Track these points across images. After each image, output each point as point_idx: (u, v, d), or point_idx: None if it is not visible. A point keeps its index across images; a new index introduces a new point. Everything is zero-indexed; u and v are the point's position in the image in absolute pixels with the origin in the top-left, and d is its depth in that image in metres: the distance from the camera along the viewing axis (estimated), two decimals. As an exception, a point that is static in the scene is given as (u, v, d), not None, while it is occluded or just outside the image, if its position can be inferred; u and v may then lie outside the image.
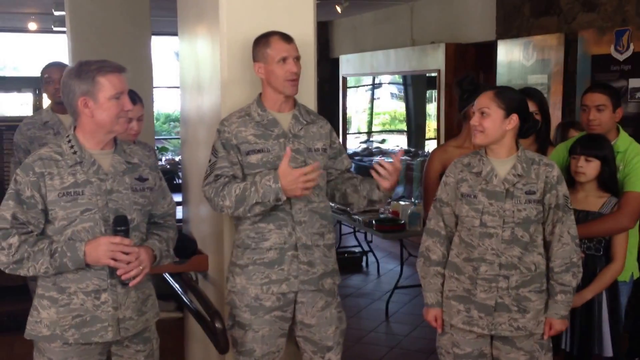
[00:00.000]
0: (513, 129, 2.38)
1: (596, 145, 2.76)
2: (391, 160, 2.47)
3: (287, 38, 2.43)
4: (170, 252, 2.29)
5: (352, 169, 2.69)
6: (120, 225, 2.08)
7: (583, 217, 2.72)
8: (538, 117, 2.98)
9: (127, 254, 2.06)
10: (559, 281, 2.38)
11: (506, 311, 2.36)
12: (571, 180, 2.76)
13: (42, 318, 2.10)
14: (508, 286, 2.35)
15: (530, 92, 3.06)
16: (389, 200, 5.98)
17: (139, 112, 2.75)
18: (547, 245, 2.41)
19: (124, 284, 2.11)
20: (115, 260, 2.05)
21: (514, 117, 2.36)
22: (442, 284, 2.48)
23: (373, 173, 2.44)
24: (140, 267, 2.11)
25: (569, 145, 2.89)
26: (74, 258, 2.04)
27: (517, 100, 2.40)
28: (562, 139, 3.60)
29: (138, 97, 2.71)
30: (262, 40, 2.45)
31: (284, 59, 2.41)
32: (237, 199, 2.36)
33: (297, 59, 2.44)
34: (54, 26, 8.08)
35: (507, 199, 2.35)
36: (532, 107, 3.01)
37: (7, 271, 2.07)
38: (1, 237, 2.04)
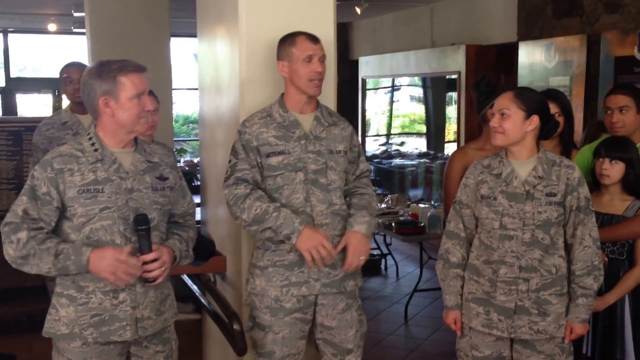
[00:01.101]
0: (534, 130, 2.35)
1: (621, 147, 2.72)
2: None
3: (313, 38, 2.42)
4: (190, 252, 2.28)
5: (370, 174, 2.64)
6: (141, 225, 2.07)
7: (607, 220, 2.68)
8: (560, 119, 2.94)
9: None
10: (579, 284, 2.35)
11: (526, 314, 2.33)
12: (595, 183, 2.72)
13: (61, 316, 2.10)
14: (528, 289, 2.32)
15: (552, 94, 3.02)
16: (408, 202, 5.95)
17: (152, 106, 2.76)
18: (568, 248, 2.38)
19: (148, 281, 2.10)
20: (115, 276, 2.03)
21: (535, 119, 2.33)
22: (462, 287, 2.45)
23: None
24: (163, 268, 2.10)
25: (593, 147, 2.84)
26: (77, 262, 2.03)
27: (537, 101, 2.37)
28: (592, 138, 3.53)
29: (151, 90, 2.71)
30: (288, 40, 2.44)
31: (310, 58, 2.40)
32: (254, 218, 2.35)
33: (323, 59, 2.43)
34: (74, 27, 8.18)
35: (527, 200, 2.32)
36: (554, 109, 2.97)
37: (13, 266, 2.07)
38: (11, 230, 2.04)
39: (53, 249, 2.03)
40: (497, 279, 2.34)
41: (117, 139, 2.12)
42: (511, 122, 2.32)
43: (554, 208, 2.33)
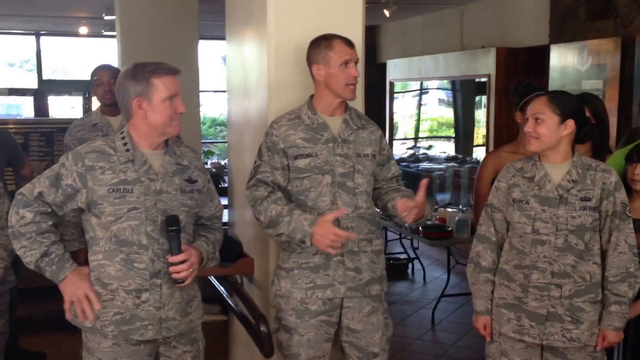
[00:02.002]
0: (569, 135, 2.31)
1: (654, 152, 2.65)
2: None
3: (349, 42, 2.41)
4: (216, 254, 2.29)
5: (399, 177, 2.63)
6: (171, 226, 2.08)
7: (638, 227, 2.61)
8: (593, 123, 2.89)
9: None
10: (613, 291, 2.29)
11: (559, 321, 2.29)
12: (627, 188, 2.65)
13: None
14: (561, 295, 2.28)
15: (585, 98, 2.98)
16: (436, 207, 5.89)
17: None
18: (604, 255, 2.32)
19: (177, 282, 2.11)
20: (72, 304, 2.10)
21: (570, 123, 2.29)
22: (492, 292, 2.42)
23: (397, 207, 2.36)
24: (191, 270, 2.11)
25: (625, 152, 2.79)
26: (53, 275, 2.09)
27: (573, 104, 2.33)
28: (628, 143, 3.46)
29: None
30: (323, 43, 2.41)
31: (346, 63, 2.39)
32: (270, 220, 2.36)
33: (357, 63, 2.42)
34: (104, 30, 8.28)
35: (560, 205, 2.28)
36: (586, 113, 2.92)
37: (9, 232, 2.12)
38: (21, 203, 2.09)
39: (45, 247, 2.08)
40: (529, 284, 2.30)
41: (148, 140, 2.14)
42: (546, 127, 2.28)
43: (588, 213, 2.28)
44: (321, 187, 2.41)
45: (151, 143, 2.14)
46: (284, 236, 2.36)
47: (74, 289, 2.08)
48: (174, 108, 2.10)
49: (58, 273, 2.08)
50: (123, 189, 2.08)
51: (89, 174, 2.07)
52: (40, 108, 9.44)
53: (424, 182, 2.35)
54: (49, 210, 2.10)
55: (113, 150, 2.11)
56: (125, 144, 2.12)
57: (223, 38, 3.39)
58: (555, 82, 5.26)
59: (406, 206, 2.34)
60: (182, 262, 2.09)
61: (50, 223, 2.11)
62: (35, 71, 9.96)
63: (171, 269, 2.09)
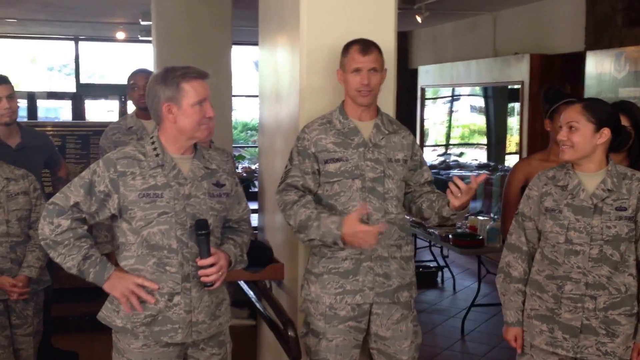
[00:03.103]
0: (604, 143, 2.26)
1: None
2: (469, 181, 2.38)
3: (365, 49, 2.40)
4: (244, 257, 2.30)
5: (432, 182, 2.61)
6: (201, 229, 2.09)
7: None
8: (630, 132, 2.83)
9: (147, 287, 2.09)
10: (649, 304, 2.23)
11: (593, 334, 2.24)
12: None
13: (119, 309, 2.15)
14: (595, 307, 2.23)
15: (623, 106, 2.92)
16: (466, 215, 5.83)
17: None
18: (639, 266, 2.27)
19: (206, 286, 2.12)
20: (126, 299, 2.10)
21: (606, 131, 2.24)
22: (523, 302, 2.38)
23: (448, 190, 2.37)
24: (220, 273, 2.12)
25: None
26: (98, 275, 2.10)
27: (608, 112, 2.28)
28: None
29: None
30: (345, 48, 2.46)
31: (357, 70, 2.40)
32: (300, 225, 2.37)
33: (375, 70, 2.40)
34: (141, 35, 8.43)
35: (595, 215, 2.23)
36: (624, 121, 2.86)
37: (42, 244, 2.13)
38: (55, 212, 2.10)
39: (85, 250, 2.09)
40: (562, 296, 2.26)
41: (177, 145, 2.15)
42: (580, 135, 2.24)
43: (624, 223, 2.23)
44: (351, 191, 2.41)
45: (180, 147, 2.15)
46: (317, 241, 2.36)
47: (123, 283, 2.09)
48: (203, 112, 2.11)
49: (103, 273, 2.10)
50: (153, 194, 2.09)
51: (120, 180, 2.09)
52: (78, 111, 9.63)
53: (482, 176, 2.41)
54: (83, 216, 2.13)
55: (143, 156, 2.13)
56: (155, 149, 2.14)
57: (256, 43, 3.42)
58: (591, 89, 5.17)
59: (458, 189, 2.34)
60: (211, 266, 2.10)
61: (85, 228, 2.14)
62: (74, 75, 10.18)
63: (200, 272, 2.10)
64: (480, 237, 4.85)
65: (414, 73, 8.39)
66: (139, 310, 2.11)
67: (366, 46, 2.41)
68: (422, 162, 2.58)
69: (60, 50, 11.62)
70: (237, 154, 9.82)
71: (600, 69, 5.10)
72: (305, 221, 2.35)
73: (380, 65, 2.43)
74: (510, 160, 6.56)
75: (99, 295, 2.15)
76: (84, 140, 5.14)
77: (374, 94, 2.43)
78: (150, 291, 2.11)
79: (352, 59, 2.41)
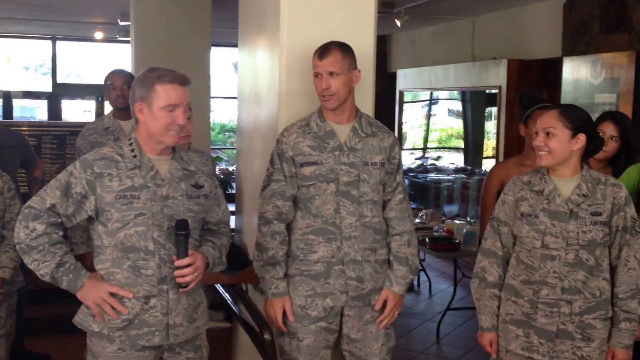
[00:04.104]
0: (580, 149, 2.28)
1: (670, 168, 2.62)
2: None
3: (322, 53, 2.39)
4: (223, 259, 2.28)
5: (407, 191, 2.59)
6: (180, 230, 2.08)
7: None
8: (617, 143, 2.89)
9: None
10: (623, 308, 2.27)
11: (569, 339, 2.26)
12: (640, 204, 2.63)
13: (94, 314, 2.12)
14: (571, 312, 2.25)
15: (615, 117, 2.98)
16: (443, 218, 5.87)
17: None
18: (613, 270, 2.30)
19: (180, 286, 2.10)
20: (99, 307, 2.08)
21: (581, 137, 2.27)
22: (498, 307, 2.39)
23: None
24: (196, 274, 2.11)
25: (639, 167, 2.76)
26: (71, 283, 2.07)
27: (583, 118, 2.30)
28: None
29: None
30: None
31: (317, 75, 2.40)
32: (262, 251, 2.43)
33: (334, 74, 2.37)
34: (119, 36, 8.36)
35: (571, 219, 2.25)
36: (612, 131, 2.92)
37: (17, 248, 2.10)
38: (31, 216, 2.07)
39: (59, 257, 2.06)
40: (538, 300, 2.27)
41: (151, 146, 2.13)
42: (557, 141, 2.25)
43: (599, 228, 2.25)
44: (325, 195, 2.41)
45: (154, 148, 2.13)
46: (257, 270, 2.47)
47: (95, 292, 2.07)
48: (172, 118, 2.07)
49: (76, 281, 2.07)
50: (130, 195, 2.07)
51: (97, 181, 2.07)
52: (54, 111, 9.52)
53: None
54: (59, 221, 2.10)
55: (120, 157, 2.11)
56: (132, 150, 2.12)
57: (235, 45, 3.41)
58: (567, 95, 5.23)
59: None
60: (188, 266, 2.09)
61: (61, 234, 2.10)
62: (50, 75, 10.05)
63: (176, 272, 2.09)
64: (457, 241, 4.88)
65: (393, 76, 8.42)
66: (114, 318, 2.08)
67: (324, 50, 2.39)
68: (399, 166, 2.56)
69: (36, 50, 11.47)
70: (214, 155, 9.78)
71: (577, 75, 5.18)
72: (266, 253, 2.41)
73: (342, 68, 2.37)
74: (487, 164, 6.61)
75: (73, 297, 2.12)
76: (60, 141, 5.08)
77: (338, 97, 2.39)
78: (121, 298, 2.08)
79: (313, 63, 2.41)
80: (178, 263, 2.08)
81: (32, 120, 10.21)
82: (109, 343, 2.11)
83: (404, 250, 2.49)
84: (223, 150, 11.42)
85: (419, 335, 4.82)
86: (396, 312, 2.50)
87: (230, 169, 8.20)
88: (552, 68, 5.68)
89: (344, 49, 2.40)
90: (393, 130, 8.20)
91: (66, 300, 2.15)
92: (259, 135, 2.98)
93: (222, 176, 7.60)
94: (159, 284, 2.10)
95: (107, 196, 2.07)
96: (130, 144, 2.13)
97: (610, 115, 3.03)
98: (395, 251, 2.49)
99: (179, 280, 2.09)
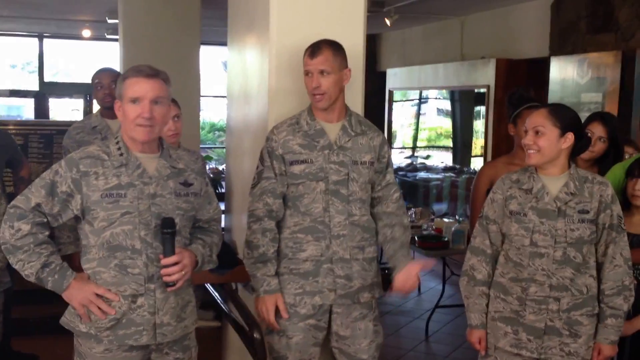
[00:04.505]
0: (568, 148, 2.30)
1: (655, 167, 2.65)
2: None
3: (313, 52, 2.39)
4: (213, 257, 2.27)
5: (395, 185, 2.59)
6: (166, 228, 2.06)
7: (637, 242, 2.62)
8: (604, 144, 2.91)
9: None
10: (609, 304, 2.29)
11: (557, 335, 2.28)
12: (626, 203, 2.65)
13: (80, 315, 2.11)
14: (559, 308, 2.27)
15: (605, 118, 3.01)
16: (432, 217, 5.89)
17: (173, 112, 2.77)
18: (599, 267, 2.32)
19: (167, 285, 2.09)
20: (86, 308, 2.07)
21: (570, 136, 2.28)
22: (487, 305, 2.40)
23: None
24: (183, 272, 2.09)
25: (625, 165, 2.78)
26: (56, 284, 2.05)
27: (572, 117, 2.33)
28: None
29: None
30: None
31: (307, 73, 2.40)
32: (252, 248, 2.42)
33: (325, 72, 2.37)
34: (107, 34, 8.31)
35: (559, 217, 2.27)
36: (600, 132, 2.94)
37: (2, 248, 2.08)
38: (16, 216, 2.05)
39: (44, 257, 2.04)
40: (527, 298, 2.29)
41: (135, 144, 2.11)
42: (546, 139, 2.27)
43: (586, 226, 2.27)
44: (315, 193, 2.41)
45: (137, 146, 2.11)
46: (248, 267, 2.45)
47: (81, 293, 2.05)
48: (137, 112, 2.05)
49: (61, 282, 2.05)
50: (116, 193, 2.05)
51: (83, 180, 2.05)
52: (41, 110, 9.45)
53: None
54: (45, 220, 2.07)
55: (107, 155, 2.09)
56: (119, 148, 2.10)
57: (224, 44, 3.40)
58: (554, 94, 5.27)
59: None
60: (174, 265, 2.08)
61: (46, 234, 2.08)
62: (37, 73, 9.98)
63: (162, 271, 2.07)
64: (446, 239, 4.90)
65: (383, 75, 8.44)
66: (101, 318, 2.07)
67: (315, 49, 2.39)
68: (389, 165, 2.57)
69: (23, 48, 11.38)
70: (204, 154, 9.76)
71: (564, 74, 5.21)
72: (257, 251, 2.41)
73: (333, 67, 2.37)
74: (476, 163, 6.64)
75: (61, 298, 2.11)
76: (47, 140, 5.05)
77: (328, 96, 2.39)
78: (107, 299, 2.07)
79: (304, 62, 2.41)
80: (164, 262, 2.06)
81: (19, 119, 10.13)
82: (96, 343, 2.09)
83: (404, 237, 2.51)
84: (213, 149, 11.39)
85: (408, 333, 4.84)
86: (416, 284, 2.47)
87: (220, 168, 8.18)
88: (540, 67, 5.72)
89: (335, 48, 2.41)
90: (383, 130, 8.26)
91: (54, 301, 2.13)
92: (248, 134, 2.98)
93: (212, 175, 7.58)
94: (146, 282, 2.08)
95: (93, 195, 2.05)
96: (117, 142, 2.12)
97: (600, 116, 3.06)
98: (396, 238, 2.50)
99: (165, 279, 2.08)
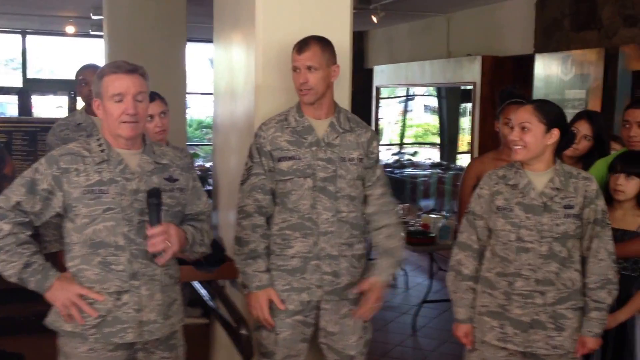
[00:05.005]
0: (553, 144, 2.32)
1: (638, 162, 2.68)
2: None
3: (301, 48, 2.39)
4: (206, 241, 2.23)
5: (382, 182, 2.58)
6: (152, 197, 2.04)
7: (620, 236, 2.65)
8: (589, 142, 2.94)
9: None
10: (593, 298, 2.32)
11: (542, 329, 2.30)
12: (609, 198, 2.68)
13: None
14: (544, 302, 2.29)
15: (591, 116, 3.04)
16: (419, 212, 5.92)
17: (159, 109, 2.75)
18: (583, 262, 2.35)
19: (154, 256, 2.06)
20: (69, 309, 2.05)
21: (555, 132, 2.31)
22: (473, 299, 2.42)
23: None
24: (168, 243, 2.04)
25: (608, 160, 2.81)
26: (39, 284, 2.04)
27: (557, 113, 2.35)
28: None
29: (156, 94, 2.71)
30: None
31: (295, 69, 2.40)
32: (241, 244, 2.42)
33: (312, 68, 2.37)
34: (92, 30, 8.23)
35: (544, 213, 2.29)
36: (586, 130, 2.97)
37: None
38: None
39: (26, 257, 2.02)
40: (513, 292, 2.31)
41: (117, 141, 2.09)
42: (532, 135, 2.29)
43: (571, 220, 2.30)
44: (302, 190, 2.42)
45: (119, 143, 2.10)
46: (238, 263, 2.45)
47: (64, 293, 2.03)
48: (122, 109, 2.03)
49: (44, 282, 2.03)
50: (98, 190, 2.04)
51: (64, 177, 2.03)
52: (25, 107, 9.35)
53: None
54: (27, 220, 2.05)
55: (87, 152, 2.08)
56: (100, 145, 2.09)
57: (210, 41, 3.39)
58: (539, 91, 5.31)
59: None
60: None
61: (28, 233, 2.06)
62: (20, 70, 9.87)
63: (148, 241, 2.03)
64: (433, 235, 4.93)
65: (369, 73, 8.45)
66: (80, 322, 2.05)
67: (303, 44, 2.39)
68: (377, 161, 2.57)
69: (6, 44, 11.24)
70: (191, 152, 9.72)
71: (548, 71, 5.25)
72: (247, 247, 2.40)
73: (320, 63, 2.37)
74: (462, 160, 6.68)
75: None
76: (31, 137, 5.01)
77: (315, 92, 2.39)
78: (91, 302, 2.05)
79: (292, 58, 2.41)
80: (150, 232, 2.03)
81: (2, 116, 10.02)
82: (80, 343, 2.08)
83: (387, 243, 2.50)
84: (200, 146, 11.33)
85: (396, 328, 4.87)
86: (378, 303, 2.50)
87: (207, 165, 8.15)
88: (525, 64, 5.75)
89: (324, 44, 2.40)
90: (370, 126, 8.25)
91: (39, 299, 2.11)
92: (235, 131, 2.97)
93: (199, 172, 7.55)
94: (130, 279, 2.07)
95: (74, 192, 2.03)
96: (98, 139, 2.11)
97: (587, 115, 3.09)
98: (381, 244, 2.51)
99: (151, 249, 2.04)
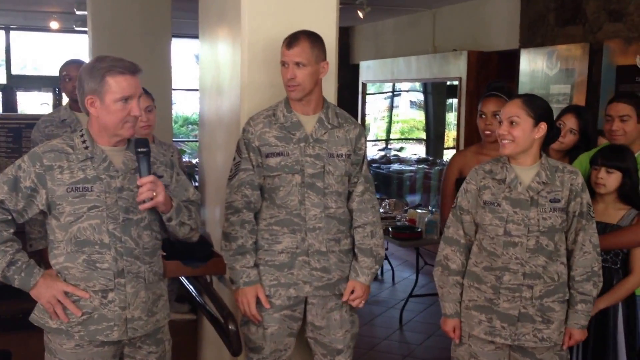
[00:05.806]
0: (541, 138, 2.34)
1: (618, 156, 2.71)
2: None
3: (290, 43, 2.37)
4: (193, 215, 2.21)
5: (372, 182, 2.59)
6: (140, 147, 2.03)
7: (601, 229, 2.66)
8: (575, 136, 2.96)
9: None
10: (579, 290, 2.34)
11: (530, 322, 2.32)
12: (591, 191, 2.70)
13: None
14: (532, 296, 2.31)
15: (579, 110, 3.06)
16: (406, 208, 5.95)
17: (145, 104, 2.74)
18: (569, 255, 2.37)
19: (140, 204, 2.05)
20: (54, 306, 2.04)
21: (542, 126, 2.32)
22: (461, 294, 2.43)
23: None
24: (154, 192, 2.03)
25: (591, 154, 2.84)
26: (23, 282, 2.03)
27: (544, 107, 2.36)
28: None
29: (142, 88, 2.70)
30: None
31: (283, 64, 2.38)
32: (229, 238, 2.42)
33: (301, 64, 2.35)
34: (76, 26, 8.16)
35: (531, 207, 2.31)
36: (573, 124, 3.00)
37: None
38: None
39: (10, 255, 2.01)
40: (501, 286, 2.33)
41: (104, 138, 2.08)
42: (521, 129, 2.30)
43: (558, 214, 2.31)
44: (290, 186, 2.41)
45: (108, 140, 2.08)
46: (226, 258, 2.46)
47: (49, 291, 2.02)
48: (127, 110, 2.02)
49: (28, 280, 2.02)
50: (82, 187, 2.02)
51: (47, 174, 2.01)
52: (9, 104, 9.27)
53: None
54: (10, 217, 2.03)
55: (71, 149, 2.05)
56: (84, 142, 2.06)
57: (196, 36, 3.37)
58: (524, 86, 5.35)
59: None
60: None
61: (11, 231, 2.04)
62: (4, 66, 9.78)
63: (139, 191, 2.03)
64: (419, 230, 4.96)
65: (356, 68, 8.46)
66: (64, 320, 2.04)
67: (292, 40, 2.36)
68: (364, 157, 2.56)
69: (-11, 40, 11.11)
70: (177, 148, 9.67)
71: (534, 66, 5.29)
72: (235, 242, 2.40)
73: (309, 59, 2.35)
74: (448, 155, 6.71)
75: (32, 292, 2.08)
76: (15, 134, 4.96)
77: (303, 88, 2.37)
78: (76, 299, 2.04)
79: (281, 52, 2.39)
80: (140, 181, 2.02)
81: (-14, 112, 9.92)
82: (66, 339, 2.07)
83: (367, 241, 2.50)
84: (186, 143, 11.29)
85: (382, 322, 4.89)
86: (362, 302, 2.51)
87: (194, 161, 8.12)
88: (510, 59, 5.79)
89: (313, 40, 2.38)
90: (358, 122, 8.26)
91: (26, 296, 2.10)
92: (221, 127, 2.97)
93: (186, 169, 7.53)
94: (116, 277, 2.06)
95: (58, 189, 2.01)
96: (82, 135, 2.08)
97: (574, 109, 3.12)
98: (359, 243, 2.51)
99: (139, 198, 2.03)
